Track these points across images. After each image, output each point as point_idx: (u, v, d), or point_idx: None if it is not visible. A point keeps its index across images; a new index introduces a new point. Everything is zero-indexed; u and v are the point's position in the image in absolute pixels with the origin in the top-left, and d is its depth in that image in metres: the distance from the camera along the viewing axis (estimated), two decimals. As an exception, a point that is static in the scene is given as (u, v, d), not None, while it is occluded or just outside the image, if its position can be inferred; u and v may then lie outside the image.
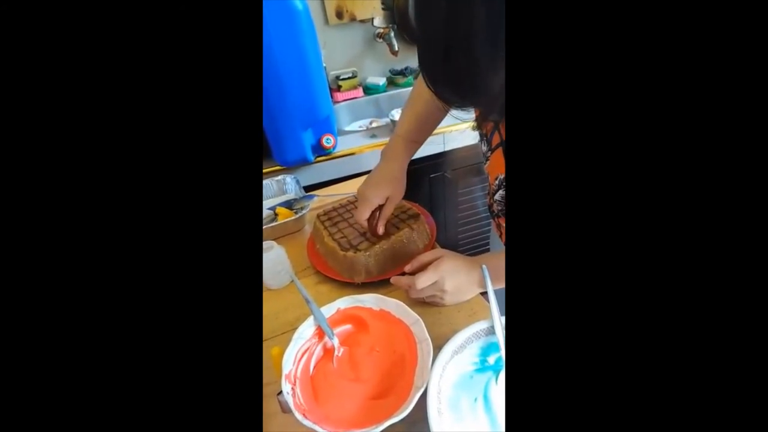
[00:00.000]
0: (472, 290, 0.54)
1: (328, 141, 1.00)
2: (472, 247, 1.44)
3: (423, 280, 0.51)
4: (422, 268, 0.53)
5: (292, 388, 0.42)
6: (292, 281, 0.63)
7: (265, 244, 0.62)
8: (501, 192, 0.59)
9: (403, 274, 0.55)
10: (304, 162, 1.02)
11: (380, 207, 0.62)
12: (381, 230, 0.62)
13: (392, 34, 1.33)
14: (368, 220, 0.62)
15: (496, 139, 0.56)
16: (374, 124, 1.29)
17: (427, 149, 1.07)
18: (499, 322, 0.43)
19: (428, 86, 0.33)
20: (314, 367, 0.46)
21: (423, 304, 0.55)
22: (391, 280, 0.56)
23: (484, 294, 0.52)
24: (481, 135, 0.60)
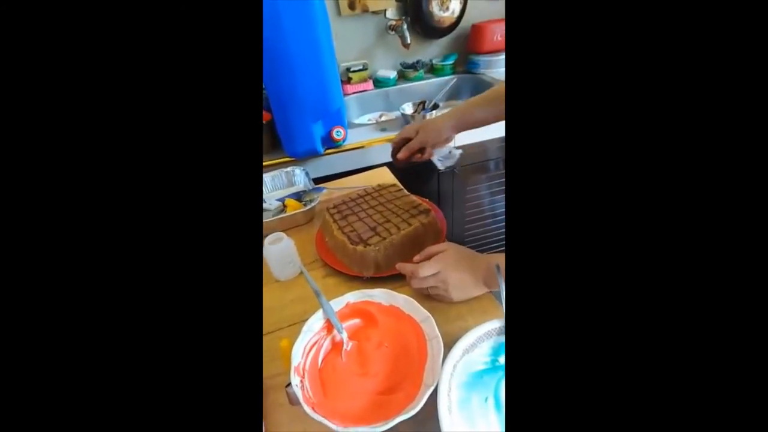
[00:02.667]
0: (478, 287, 0.53)
1: (338, 133, 0.99)
2: (477, 245, 1.43)
3: (425, 270, 0.51)
4: (428, 258, 0.53)
5: (301, 381, 0.42)
6: (300, 273, 0.63)
7: (274, 235, 0.62)
8: None
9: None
10: (314, 154, 1.01)
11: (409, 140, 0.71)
12: (400, 156, 0.69)
13: (405, 26, 1.31)
14: (397, 143, 0.72)
15: None
16: (384, 118, 1.28)
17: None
18: (511, 322, 0.42)
19: None
20: (323, 361, 0.46)
21: (433, 301, 0.55)
22: (397, 266, 0.56)
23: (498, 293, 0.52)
24: None
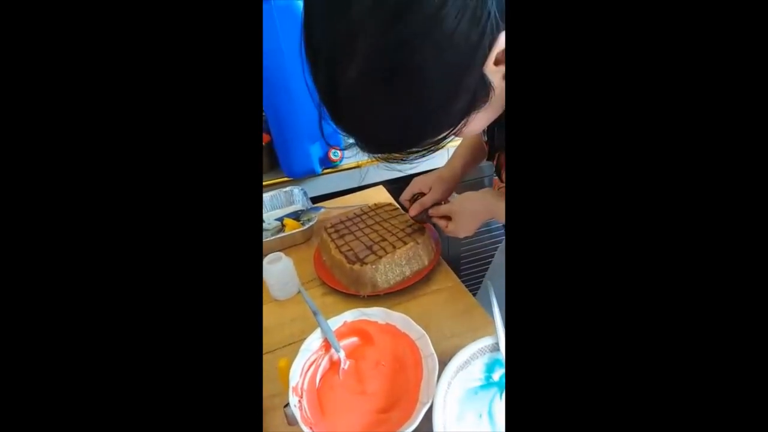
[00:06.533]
0: (481, 218, 0.61)
1: (335, 154, 1.02)
2: (473, 261, 1.44)
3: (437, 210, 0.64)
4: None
5: (299, 401, 0.42)
6: (298, 292, 0.63)
7: (274, 255, 0.63)
8: None
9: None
10: (312, 174, 1.03)
11: (422, 195, 0.72)
12: (412, 213, 0.70)
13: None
14: (408, 201, 0.72)
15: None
16: (380, 137, 1.30)
17: (432, 163, 1.09)
18: (504, 338, 0.43)
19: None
20: (320, 380, 0.47)
21: (426, 319, 0.55)
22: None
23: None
24: (496, 168, 0.61)
